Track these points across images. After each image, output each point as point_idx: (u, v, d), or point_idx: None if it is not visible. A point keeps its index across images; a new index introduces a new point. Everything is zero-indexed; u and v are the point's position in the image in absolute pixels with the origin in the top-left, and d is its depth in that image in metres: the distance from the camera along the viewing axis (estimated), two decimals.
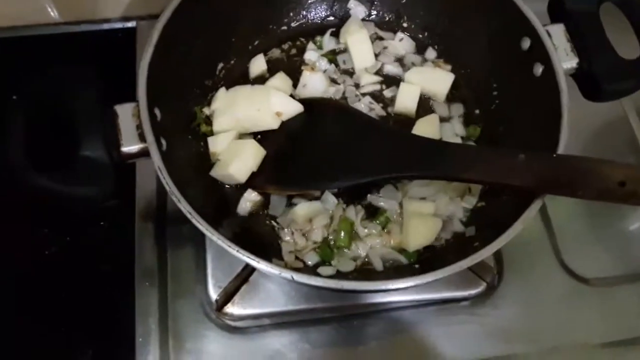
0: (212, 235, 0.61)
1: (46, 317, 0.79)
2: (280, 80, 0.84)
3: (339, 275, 0.74)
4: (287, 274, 0.61)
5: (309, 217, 0.77)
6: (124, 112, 0.66)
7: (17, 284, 0.81)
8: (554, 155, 0.67)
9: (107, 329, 0.79)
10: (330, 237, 0.77)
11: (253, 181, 0.78)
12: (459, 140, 0.84)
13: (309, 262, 0.75)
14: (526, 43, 0.76)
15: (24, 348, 0.78)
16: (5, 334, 0.79)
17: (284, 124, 0.81)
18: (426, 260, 0.75)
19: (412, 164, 0.73)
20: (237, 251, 0.61)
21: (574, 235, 0.89)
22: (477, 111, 0.86)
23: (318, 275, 0.73)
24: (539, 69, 0.74)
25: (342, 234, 0.76)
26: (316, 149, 0.79)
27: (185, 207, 0.62)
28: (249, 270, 0.78)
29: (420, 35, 0.91)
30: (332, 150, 0.78)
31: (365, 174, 0.75)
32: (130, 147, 0.65)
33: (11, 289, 0.81)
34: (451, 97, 0.87)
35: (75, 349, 0.78)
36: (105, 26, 1.01)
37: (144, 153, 0.65)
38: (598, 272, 0.87)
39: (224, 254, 0.62)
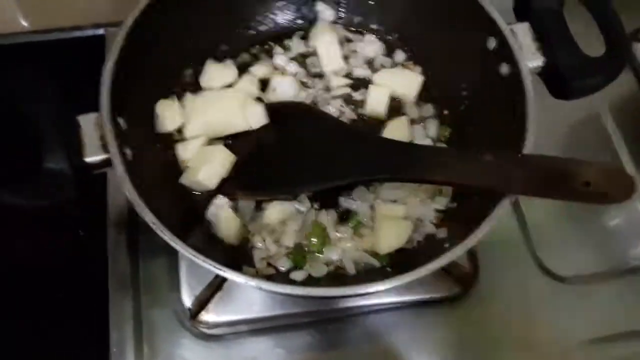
0: (177, 245, 0.61)
1: (19, 328, 0.79)
2: (248, 82, 0.84)
3: (311, 279, 0.74)
4: (254, 283, 0.61)
5: (282, 219, 0.77)
6: (87, 123, 0.66)
7: None
8: (520, 156, 0.67)
9: (81, 339, 0.79)
10: (303, 242, 0.77)
11: (223, 187, 0.77)
12: (429, 142, 0.84)
13: (282, 268, 0.75)
14: (492, 43, 0.76)
15: None
16: None
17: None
18: (399, 263, 0.75)
19: (381, 166, 0.73)
20: (203, 261, 0.61)
21: (550, 233, 0.89)
22: (446, 112, 0.86)
23: (290, 280, 0.73)
24: (505, 69, 0.74)
25: (315, 238, 0.76)
26: (286, 154, 0.79)
27: (148, 218, 0.61)
28: (222, 278, 0.77)
29: (390, 37, 0.91)
30: (302, 154, 0.78)
31: (335, 178, 0.75)
32: (93, 157, 0.65)
33: None
34: (421, 99, 0.87)
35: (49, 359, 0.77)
36: (77, 33, 1.01)
37: (108, 163, 0.65)
38: (575, 270, 0.87)
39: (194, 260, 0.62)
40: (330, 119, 0.81)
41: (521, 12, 0.78)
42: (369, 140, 0.77)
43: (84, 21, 1.01)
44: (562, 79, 0.75)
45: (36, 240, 0.83)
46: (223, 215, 0.75)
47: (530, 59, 0.74)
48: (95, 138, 0.65)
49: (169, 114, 0.78)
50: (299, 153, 0.78)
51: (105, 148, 0.64)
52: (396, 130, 0.82)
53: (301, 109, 0.83)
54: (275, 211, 0.77)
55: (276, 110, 0.81)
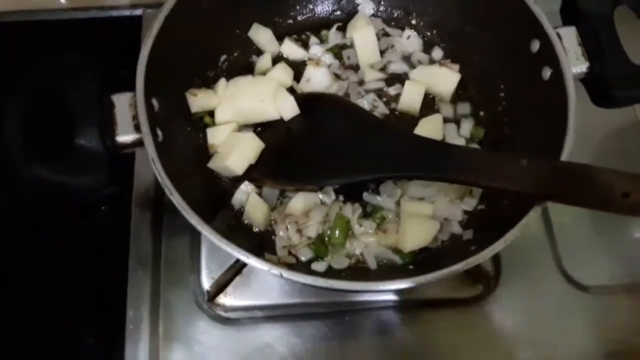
0: (203, 229, 0.61)
1: (39, 300, 0.80)
2: (282, 70, 0.83)
3: (332, 271, 0.74)
4: (276, 271, 0.61)
5: (306, 210, 0.76)
6: (121, 102, 0.66)
7: (11, 268, 0.82)
8: (557, 162, 0.65)
9: (98, 314, 0.79)
10: (326, 234, 0.76)
11: (250, 174, 0.77)
12: (462, 142, 0.82)
13: (302, 258, 0.74)
14: (536, 45, 0.74)
15: (15, 329, 0.79)
16: None
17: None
18: (421, 261, 0.75)
19: (412, 164, 0.71)
20: (227, 246, 0.61)
21: (576, 241, 0.87)
22: (482, 113, 0.85)
23: (311, 270, 0.73)
24: (547, 73, 0.72)
25: (337, 231, 0.75)
26: (316, 145, 0.78)
27: (177, 200, 0.62)
28: (242, 263, 0.77)
29: (429, 33, 0.90)
30: (332, 146, 0.77)
31: (363, 172, 0.75)
32: (125, 137, 0.65)
33: (5, 272, 0.82)
34: (457, 98, 0.85)
35: (65, 333, 0.79)
36: (114, 13, 1.01)
37: (139, 143, 0.65)
38: (598, 280, 0.85)
39: (218, 246, 0.62)
40: (362, 112, 0.80)
41: (568, 15, 0.76)
42: (400, 136, 0.76)
43: (123, 1, 1.01)
44: (605, 87, 0.73)
45: (62, 214, 0.84)
46: (250, 201, 0.75)
47: (575, 64, 0.72)
48: (128, 118, 0.65)
49: (200, 98, 0.78)
50: (329, 145, 0.78)
51: (137, 128, 0.65)
52: (429, 128, 0.80)
53: (334, 100, 0.82)
54: (300, 201, 0.76)
55: (308, 101, 0.80)
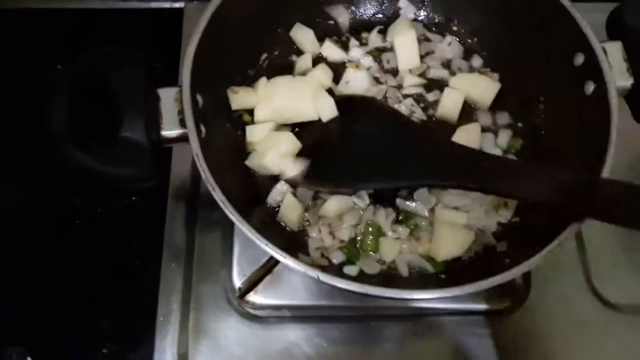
0: (243, 227, 0.62)
1: (71, 283, 0.82)
2: (322, 71, 0.83)
3: (363, 276, 0.74)
4: (313, 273, 0.61)
5: (339, 213, 0.77)
6: (167, 96, 0.67)
7: (46, 249, 0.84)
8: (599, 179, 0.65)
9: (129, 304, 0.81)
10: (358, 238, 0.76)
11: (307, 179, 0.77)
12: (499, 152, 0.82)
13: (335, 261, 0.75)
14: (580, 59, 0.73)
15: (49, 316, 0.80)
16: (25, 296, 0.81)
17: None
18: (453, 271, 0.74)
19: (448, 172, 0.71)
20: (266, 245, 0.61)
21: (607, 258, 0.86)
22: (520, 124, 0.84)
23: (342, 273, 0.73)
24: (590, 87, 0.72)
25: (370, 237, 0.75)
26: (353, 147, 0.78)
27: (219, 196, 0.62)
28: (273, 262, 0.78)
29: (470, 41, 0.89)
30: (369, 150, 0.77)
31: (399, 179, 0.75)
32: (170, 131, 0.66)
33: (40, 252, 0.84)
34: (495, 107, 0.85)
35: (96, 319, 0.80)
36: (154, 5, 1.02)
37: (184, 138, 0.65)
38: (629, 298, 0.84)
39: (250, 243, 0.62)
40: (401, 118, 0.80)
41: (614, 30, 0.76)
42: (440, 143, 0.75)
43: None
44: None
45: (101, 204, 0.86)
46: (286, 201, 0.76)
47: (619, 80, 0.71)
48: (174, 112, 0.66)
49: (241, 95, 0.79)
50: (366, 148, 0.77)
51: (182, 123, 0.65)
52: (466, 136, 0.80)
53: (373, 104, 0.82)
54: (334, 204, 0.76)
55: (347, 103, 0.80)
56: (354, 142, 0.79)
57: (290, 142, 0.77)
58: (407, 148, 0.75)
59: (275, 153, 0.76)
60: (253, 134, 0.78)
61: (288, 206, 0.75)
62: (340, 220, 0.77)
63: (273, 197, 0.77)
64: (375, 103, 0.83)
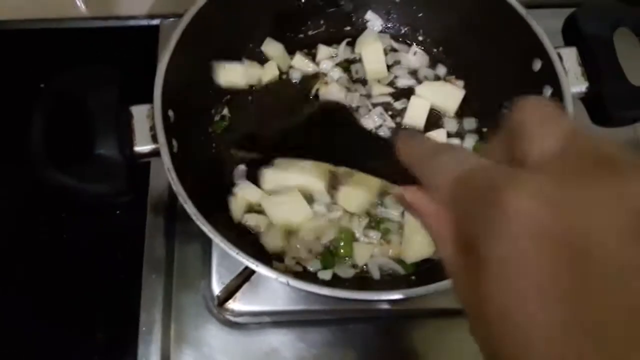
0: (215, 238, 0.64)
1: (54, 302, 0.83)
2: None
3: (337, 280, 0.77)
4: (283, 279, 0.63)
5: (318, 235, 0.79)
6: (139, 113, 0.69)
7: (27, 271, 0.85)
8: None
9: (112, 316, 0.82)
10: (333, 245, 0.79)
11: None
12: None
13: (310, 269, 0.77)
14: (537, 64, 0.76)
15: (29, 330, 0.82)
16: (11, 308, 0.82)
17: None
18: (423, 272, 0.77)
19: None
20: (237, 254, 0.64)
21: None
22: (485, 129, 0.87)
23: (317, 278, 0.76)
24: (548, 92, 0.75)
25: (343, 244, 0.78)
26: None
27: (190, 210, 0.65)
28: (251, 270, 0.80)
29: (435, 50, 0.92)
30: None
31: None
32: (143, 147, 0.68)
33: (21, 275, 0.85)
34: (461, 113, 0.88)
35: (80, 332, 0.81)
36: (131, 22, 1.04)
37: (156, 153, 0.68)
38: None
39: (228, 252, 0.65)
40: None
41: (570, 36, 0.79)
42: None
43: (139, 10, 1.04)
44: (604, 107, 0.75)
45: (79, 219, 0.87)
46: (266, 230, 0.79)
47: (574, 84, 0.74)
48: (146, 129, 0.68)
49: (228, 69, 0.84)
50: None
51: (154, 138, 0.68)
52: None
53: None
54: (311, 231, 0.79)
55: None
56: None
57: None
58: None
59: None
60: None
61: (270, 233, 0.78)
62: (317, 240, 0.79)
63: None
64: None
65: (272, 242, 0.78)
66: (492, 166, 0.31)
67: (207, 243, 0.84)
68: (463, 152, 0.34)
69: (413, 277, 0.77)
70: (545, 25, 0.76)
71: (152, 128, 0.68)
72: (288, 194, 0.78)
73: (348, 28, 0.94)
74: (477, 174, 0.30)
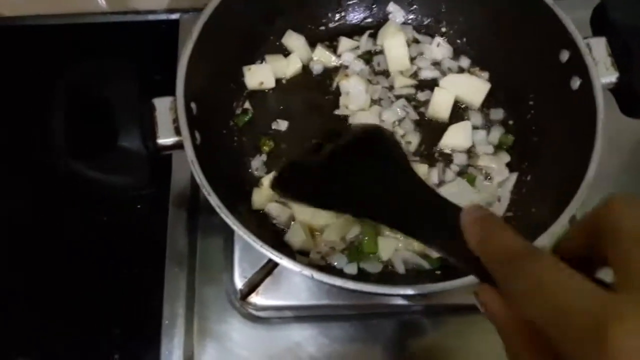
0: (239, 230, 0.64)
1: (78, 295, 0.83)
2: None
3: (362, 274, 0.76)
4: (308, 272, 0.63)
5: (342, 235, 0.78)
6: (162, 106, 0.69)
7: (52, 258, 0.86)
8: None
9: (135, 309, 0.82)
10: (356, 241, 0.78)
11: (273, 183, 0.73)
12: (491, 148, 0.83)
13: (335, 264, 0.77)
14: (565, 55, 0.74)
15: (51, 318, 0.82)
16: (33, 302, 0.83)
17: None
18: (448, 266, 0.76)
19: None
20: (261, 246, 0.63)
21: None
22: (510, 121, 0.86)
23: (341, 272, 0.75)
24: (576, 83, 0.73)
25: (368, 239, 0.77)
26: (346, 172, 0.67)
27: (214, 201, 0.64)
28: (274, 263, 0.80)
29: (458, 41, 0.91)
30: (359, 178, 0.65)
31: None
32: (165, 139, 0.68)
33: (46, 261, 0.86)
34: (487, 104, 0.86)
35: (103, 326, 0.82)
36: (150, 17, 1.04)
37: (179, 146, 0.67)
38: None
39: (251, 245, 0.64)
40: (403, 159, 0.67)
41: (598, 26, 0.77)
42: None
43: (158, 5, 1.04)
44: (634, 97, 0.73)
45: (103, 212, 0.88)
46: (293, 228, 0.78)
47: (604, 75, 0.72)
48: (169, 121, 0.68)
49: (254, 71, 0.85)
50: (357, 176, 0.66)
51: (177, 131, 0.67)
52: (458, 135, 0.82)
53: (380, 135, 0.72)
54: (334, 233, 0.78)
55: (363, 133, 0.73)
56: (347, 168, 0.67)
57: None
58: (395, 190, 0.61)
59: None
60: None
61: (294, 232, 0.77)
62: (342, 241, 0.78)
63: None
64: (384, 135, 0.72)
65: (297, 240, 0.77)
66: (590, 293, 0.29)
67: (230, 236, 0.83)
68: (549, 260, 0.32)
69: (438, 272, 0.76)
70: (573, 15, 0.75)
71: (175, 120, 0.68)
72: None
73: (370, 20, 0.93)
74: (573, 302, 0.29)
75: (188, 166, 0.84)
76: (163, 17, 1.04)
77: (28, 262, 0.86)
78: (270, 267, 0.81)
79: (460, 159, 0.83)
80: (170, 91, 0.69)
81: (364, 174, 0.65)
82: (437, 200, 0.53)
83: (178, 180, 0.86)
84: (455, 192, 0.79)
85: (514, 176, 0.82)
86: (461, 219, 0.40)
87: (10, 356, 0.80)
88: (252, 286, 0.81)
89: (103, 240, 0.86)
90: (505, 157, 0.83)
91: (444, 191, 0.79)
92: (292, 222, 0.79)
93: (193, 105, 0.71)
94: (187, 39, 0.72)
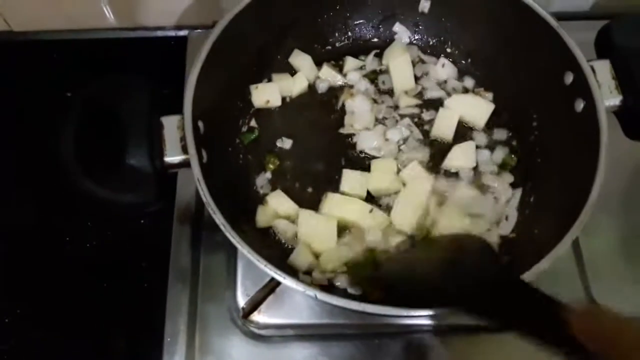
0: (243, 248, 0.64)
1: (81, 310, 0.84)
2: None
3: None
4: (311, 292, 0.63)
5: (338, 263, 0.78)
6: (170, 124, 0.69)
7: (56, 273, 0.86)
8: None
9: (138, 325, 0.82)
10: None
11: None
12: (494, 168, 0.84)
13: (338, 284, 0.76)
14: (569, 77, 0.75)
15: (52, 332, 0.82)
16: (35, 316, 0.83)
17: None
18: None
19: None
20: (265, 265, 0.64)
21: (606, 269, 0.86)
22: (514, 142, 0.86)
23: (345, 292, 0.75)
24: (580, 105, 0.73)
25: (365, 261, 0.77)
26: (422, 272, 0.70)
27: (219, 220, 0.65)
28: (276, 282, 0.80)
29: (463, 62, 0.92)
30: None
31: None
32: (173, 157, 0.68)
33: (49, 282, 0.86)
34: (491, 124, 0.87)
35: (105, 340, 0.82)
36: (159, 33, 1.06)
37: (186, 164, 0.68)
38: (628, 309, 0.83)
39: (253, 263, 0.65)
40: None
41: (602, 48, 0.77)
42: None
43: (167, 21, 1.05)
44: (638, 119, 0.74)
45: (108, 229, 0.88)
46: (298, 248, 0.78)
47: (608, 97, 0.73)
48: (176, 139, 0.69)
49: (260, 90, 0.87)
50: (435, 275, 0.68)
51: (184, 149, 0.68)
52: (461, 155, 0.82)
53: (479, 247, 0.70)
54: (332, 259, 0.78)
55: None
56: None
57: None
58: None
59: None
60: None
61: (299, 256, 0.77)
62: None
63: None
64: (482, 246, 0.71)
65: (301, 263, 0.77)
66: None
67: (233, 254, 0.84)
68: None
69: None
70: (577, 38, 0.75)
71: (182, 139, 0.68)
72: (326, 219, 0.78)
73: (375, 40, 0.94)
74: None
75: (193, 183, 0.85)
76: (171, 33, 1.05)
77: (32, 275, 0.86)
78: (272, 286, 0.81)
79: (467, 175, 0.84)
80: (178, 107, 0.70)
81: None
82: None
83: (183, 197, 0.86)
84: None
85: (518, 192, 0.82)
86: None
87: None
88: (254, 304, 0.80)
89: (107, 255, 0.87)
90: (509, 178, 0.83)
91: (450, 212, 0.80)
92: (297, 246, 0.78)
93: (200, 123, 0.71)
94: (196, 58, 0.73)
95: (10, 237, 0.88)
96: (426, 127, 0.87)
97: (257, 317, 0.81)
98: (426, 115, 0.88)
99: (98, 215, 0.87)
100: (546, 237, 0.68)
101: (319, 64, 0.91)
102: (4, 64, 1.03)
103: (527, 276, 0.63)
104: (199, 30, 1.02)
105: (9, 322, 0.83)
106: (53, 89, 0.97)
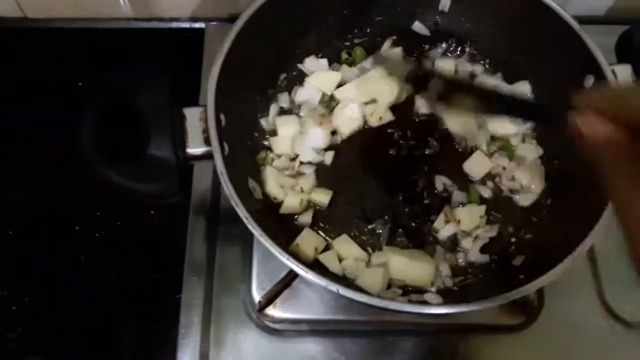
0: (266, 242, 0.64)
1: (93, 296, 0.83)
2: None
3: None
4: (334, 287, 0.63)
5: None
6: (192, 115, 0.69)
7: (69, 263, 0.86)
8: None
9: (152, 317, 0.82)
10: None
11: None
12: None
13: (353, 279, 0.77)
14: (590, 81, 0.75)
15: (66, 324, 0.82)
16: (49, 308, 0.83)
17: None
18: (467, 286, 0.76)
19: None
20: (287, 259, 0.64)
21: (621, 274, 0.85)
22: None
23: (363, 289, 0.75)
24: None
25: None
26: None
27: (242, 212, 0.64)
28: (292, 276, 0.80)
29: (481, 62, 0.92)
30: None
31: None
32: (195, 149, 0.68)
33: (61, 264, 0.85)
34: None
35: (118, 332, 0.82)
36: (174, 25, 1.05)
37: (208, 156, 0.68)
38: None
39: (269, 257, 0.65)
40: None
41: (624, 52, 0.78)
42: None
43: (182, 13, 1.04)
44: None
45: (122, 218, 0.88)
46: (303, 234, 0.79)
47: None
48: (199, 131, 0.68)
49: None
50: None
51: (207, 141, 0.68)
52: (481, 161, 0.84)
53: None
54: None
55: None
56: None
57: None
58: None
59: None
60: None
61: (305, 239, 0.78)
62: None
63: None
64: None
65: (331, 265, 0.78)
66: None
67: (249, 247, 0.83)
68: None
69: (455, 288, 0.76)
70: (599, 41, 0.76)
71: (205, 131, 0.68)
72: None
73: (394, 37, 0.93)
74: None
75: (209, 175, 0.86)
76: (187, 25, 1.04)
77: (44, 265, 0.85)
78: (288, 280, 0.81)
79: None
80: (194, 99, 0.70)
81: None
82: None
83: (199, 189, 0.86)
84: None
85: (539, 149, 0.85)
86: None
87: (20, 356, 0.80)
88: (270, 298, 0.80)
89: (121, 247, 0.86)
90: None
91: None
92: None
93: (222, 116, 0.71)
94: (218, 50, 0.73)
95: (19, 225, 0.88)
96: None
97: (272, 311, 0.81)
98: None
99: (112, 205, 0.86)
100: (562, 241, 0.69)
101: (337, 60, 0.91)
102: (18, 50, 1.02)
103: (544, 280, 0.64)
104: (215, 23, 1.01)
105: (17, 309, 0.82)
106: (65, 77, 0.97)
